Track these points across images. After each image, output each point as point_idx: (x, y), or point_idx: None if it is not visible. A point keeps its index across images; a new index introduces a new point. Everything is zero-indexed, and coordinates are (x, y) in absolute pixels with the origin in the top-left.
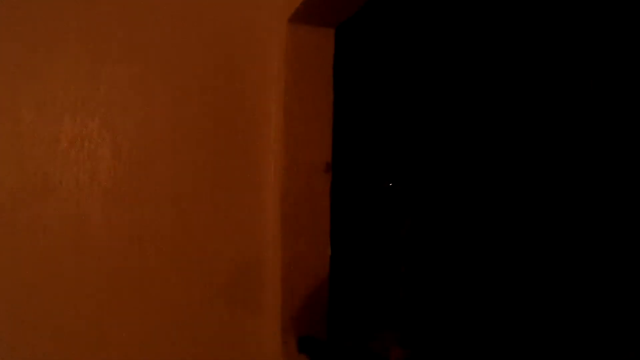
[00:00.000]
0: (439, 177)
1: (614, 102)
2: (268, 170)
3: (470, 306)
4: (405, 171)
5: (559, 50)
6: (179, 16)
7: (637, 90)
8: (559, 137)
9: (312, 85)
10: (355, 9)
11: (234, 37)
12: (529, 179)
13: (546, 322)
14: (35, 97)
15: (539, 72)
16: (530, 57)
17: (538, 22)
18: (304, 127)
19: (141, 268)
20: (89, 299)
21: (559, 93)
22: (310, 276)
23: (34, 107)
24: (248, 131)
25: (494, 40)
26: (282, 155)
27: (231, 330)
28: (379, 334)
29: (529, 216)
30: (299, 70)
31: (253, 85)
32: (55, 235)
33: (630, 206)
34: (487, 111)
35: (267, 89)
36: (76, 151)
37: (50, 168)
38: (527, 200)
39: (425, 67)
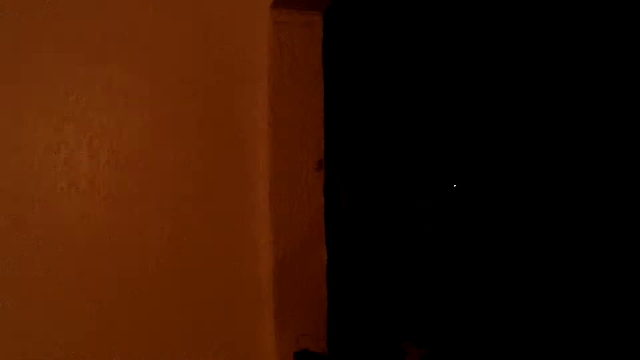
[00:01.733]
0: (453, 176)
1: (615, 102)
2: (258, 170)
3: (486, 305)
4: (416, 171)
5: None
6: (156, 10)
7: (637, 90)
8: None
9: (300, 77)
10: None
11: (215, 29)
12: (546, 176)
13: (563, 322)
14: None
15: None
16: (519, 41)
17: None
18: (292, 124)
19: (138, 272)
20: (90, 301)
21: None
22: (306, 278)
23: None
24: (236, 129)
25: (489, 29)
26: (272, 154)
27: (226, 334)
28: (395, 334)
29: (544, 216)
30: (285, 61)
31: (238, 80)
32: (52, 240)
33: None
34: (490, 105)
35: (254, 83)
36: (54, 157)
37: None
38: (544, 199)
39: (424, 54)
